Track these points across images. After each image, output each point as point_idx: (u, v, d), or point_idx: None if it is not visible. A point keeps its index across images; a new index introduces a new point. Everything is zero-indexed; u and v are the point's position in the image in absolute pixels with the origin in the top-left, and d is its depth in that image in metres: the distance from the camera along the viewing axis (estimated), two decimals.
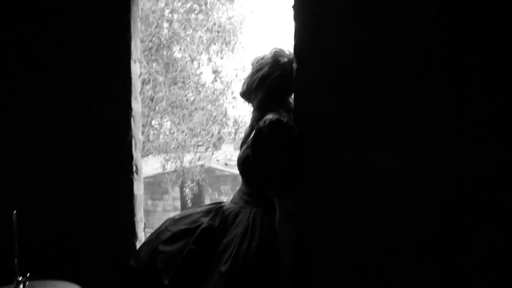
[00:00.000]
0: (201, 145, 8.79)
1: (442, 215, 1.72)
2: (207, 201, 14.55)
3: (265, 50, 2.05)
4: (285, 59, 1.96)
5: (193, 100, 8.54)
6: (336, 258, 1.83)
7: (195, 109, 8.28)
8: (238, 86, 9.53)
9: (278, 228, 1.76)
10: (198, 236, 1.89)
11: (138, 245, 2.11)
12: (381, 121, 1.78)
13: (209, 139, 8.88)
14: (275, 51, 1.99)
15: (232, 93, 9.12)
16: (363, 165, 1.80)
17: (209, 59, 9.10)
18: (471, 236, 1.70)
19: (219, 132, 8.58)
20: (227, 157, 14.68)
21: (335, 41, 1.82)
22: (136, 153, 2.11)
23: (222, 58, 8.98)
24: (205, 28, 8.58)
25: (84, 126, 2.14)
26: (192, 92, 8.35)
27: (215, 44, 8.95)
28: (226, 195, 14.37)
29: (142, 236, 2.16)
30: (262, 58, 2.01)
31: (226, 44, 8.71)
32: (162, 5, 8.10)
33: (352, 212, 1.81)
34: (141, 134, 2.15)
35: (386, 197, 1.78)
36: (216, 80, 9.08)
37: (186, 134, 8.54)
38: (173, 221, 2.01)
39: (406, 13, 1.75)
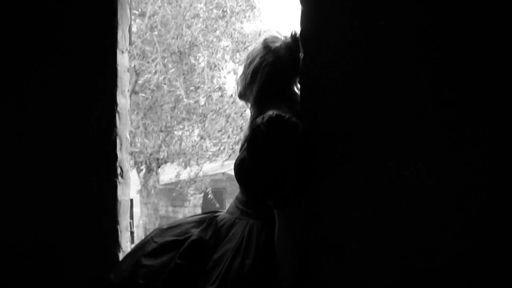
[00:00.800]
0: (219, 151, 8.58)
1: (471, 234, 1.43)
2: None
3: None
4: (278, 44, 1.70)
5: (212, 107, 8.37)
6: (348, 282, 1.55)
7: (217, 113, 8.08)
8: None
9: (277, 244, 1.50)
10: (186, 250, 1.64)
11: (122, 257, 1.87)
12: (401, 123, 1.51)
13: (230, 145, 8.68)
14: (265, 39, 1.73)
15: None
16: (381, 174, 1.52)
17: (235, 71, 8.96)
18: (506, 260, 1.40)
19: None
20: None
21: (345, 25, 1.56)
22: (122, 154, 1.87)
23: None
24: (226, 34, 8.42)
25: (64, 124, 1.91)
26: (211, 99, 8.17)
27: (239, 53, 8.80)
28: None
29: (127, 246, 1.93)
30: (253, 50, 1.76)
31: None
32: (182, 9, 7.96)
33: (367, 230, 1.53)
34: (128, 133, 1.92)
35: (407, 212, 1.49)
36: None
37: (205, 139, 8.37)
38: (160, 231, 1.77)
39: None
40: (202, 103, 8.16)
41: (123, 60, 1.88)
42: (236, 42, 8.62)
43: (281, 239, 1.50)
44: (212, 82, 8.07)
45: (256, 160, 1.52)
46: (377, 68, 1.53)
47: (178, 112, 8.28)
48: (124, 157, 1.89)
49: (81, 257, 1.87)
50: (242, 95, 1.80)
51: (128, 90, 1.91)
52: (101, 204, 1.85)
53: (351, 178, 1.54)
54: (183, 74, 8.00)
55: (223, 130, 8.67)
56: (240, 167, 1.63)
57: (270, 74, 1.67)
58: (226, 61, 8.76)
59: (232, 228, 1.65)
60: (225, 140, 8.83)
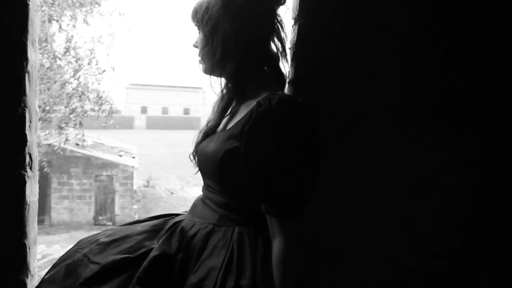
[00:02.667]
0: (64, 124, 7.49)
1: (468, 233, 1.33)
2: (54, 184, 13.26)
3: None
4: None
5: (48, 69, 7.19)
6: None
7: (55, 82, 6.91)
8: (103, 56, 8.40)
9: (279, 263, 1.13)
10: (148, 271, 1.17)
11: (30, 284, 1.29)
12: (427, 105, 1.28)
13: (72, 117, 7.64)
14: None
15: (97, 63, 7.95)
16: (390, 166, 1.30)
17: (69, 23, 7.76)
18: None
19: (83, 108, 7.39)
20: (77, 137, 14.08)
21: None
22: (31, 135, 1.26)
23: (85, 22, 7.70)
24: None
25: None
26: (50, 58, 6.97)
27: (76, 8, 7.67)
28: (77, 178, 13.44)
29: (35, 267, 1.34)
30: (208, 9, 1.22)
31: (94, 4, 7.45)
32: None
33: (369, 231, 1.30)
34: (37, 104, 1.30)
35: (415, 209, 1.31)
36: (73, 50, 7.81)
37: (42, 109, 7.16)
38: (98, 246, 1.24)
39: None
40: (47, 65, 6.90)
41: None
42: None
43: (285, 256, 1.14)
44: (50, 36, 6.85)
45: (265, 156, 1.11)
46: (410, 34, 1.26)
47: None
48: (33, 139, 1.27)
49: None
50: (210, 71, 1.32)
51: (37, 41, 1.29)
52: (2, 209, 1.23)
53: (353, 174, 1.29)
54: None
55: (59, 97, 7.59)
56: (228, 163, 1.19)
57: (249, 43, 1.24)
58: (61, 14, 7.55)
59: (210, 238, 1.22)
60: (57, 108, 7.79)
